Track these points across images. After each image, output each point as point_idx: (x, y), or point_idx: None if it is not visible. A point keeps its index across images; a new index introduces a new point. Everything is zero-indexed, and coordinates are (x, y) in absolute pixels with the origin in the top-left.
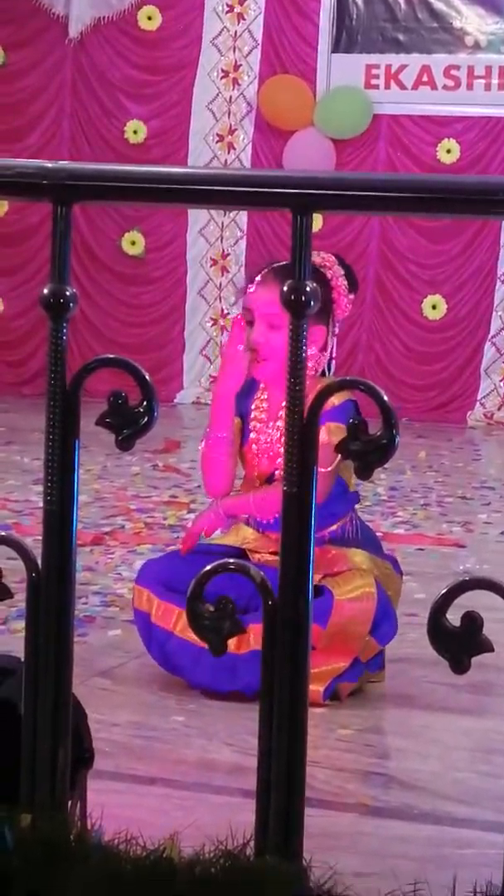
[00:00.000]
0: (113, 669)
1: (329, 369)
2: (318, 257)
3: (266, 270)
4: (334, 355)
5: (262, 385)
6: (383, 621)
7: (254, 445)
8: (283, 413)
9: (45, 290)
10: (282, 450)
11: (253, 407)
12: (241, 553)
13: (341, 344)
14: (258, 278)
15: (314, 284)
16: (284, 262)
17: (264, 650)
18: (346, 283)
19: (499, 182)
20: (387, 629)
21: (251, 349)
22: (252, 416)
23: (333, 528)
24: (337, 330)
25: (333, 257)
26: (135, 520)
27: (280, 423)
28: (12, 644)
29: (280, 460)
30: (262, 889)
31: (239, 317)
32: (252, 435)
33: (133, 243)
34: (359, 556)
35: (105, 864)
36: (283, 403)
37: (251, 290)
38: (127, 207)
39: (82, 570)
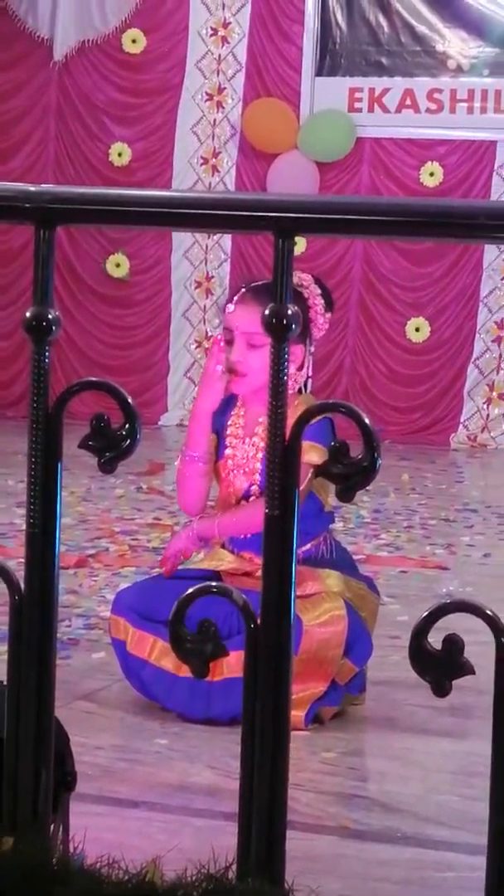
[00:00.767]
0: (96, 692)
1: (306, 387)
2: (294, 277)
3: (244, 290)
4: (310, 374)
5: (239, 402)
6: (356, 643)
7: (229, 461)
8: (259, 429)
9: (28, 313)
10: (258, 466)
11: (229, 423)
12: (216, 576)
13: (325, 366)
14: (236, 298)
15: (296, 307)
16: (262, 282)
17: (246, 673)
18: (322, 302)
19: (481, 206)
20: (361, 650)
21: (230, 369)
22: (228, 431)
23: (307, 547)
24: (313, 349)
25: (310, 277)
26: (119, 542)
27: (256, 440)
28: None
29: (256, 476)
30: None
31: (218, 337)
32: (227, 451)
33: (118, 266)
34: (331, 578)
35: (87, 888)
36: (260, 420)
37: (230, 309)
38: (111, 230)
39: (66, 593)
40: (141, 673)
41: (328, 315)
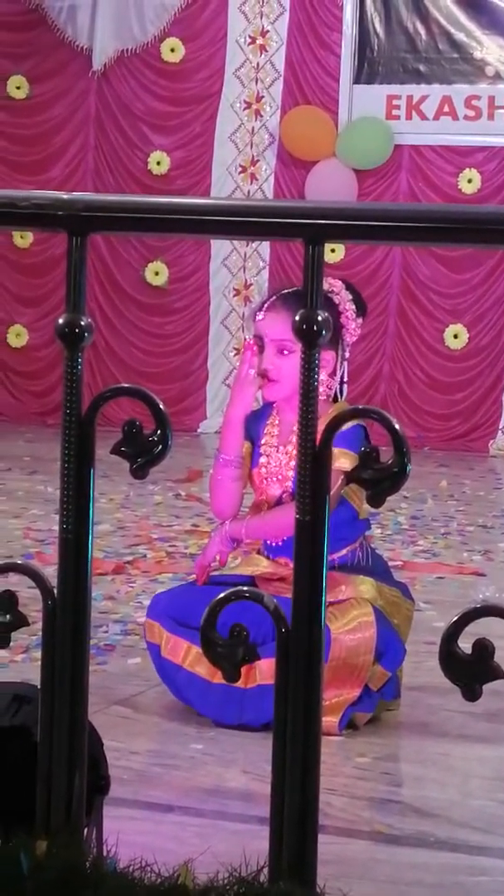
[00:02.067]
0: (132, 698)
1: (342, 394)
2: (325, 283)
3: (275, 297)
4: (346, 380)
5: (274, 411)
6: (387, 649)
7: (263, 469)
8: (293, 437)
9: (60, 320)
10: (290, 474)
11: (265, 431)
12: (252, 582)
13: (363, 373)
14: (266, 305)
15: (326, 314)
16: (293, 289)
17: (278, 678)
18: (354, 307)
19: None
20: (392, 656)
21: (261, 375)
22: (263, 440)
23: (342, 553)
24: (347, 354)
25: (341, 282)
26: (156, 549)
27: (290, 448)
28: (33, 672)
29: (288, 483)
30: None
31: (251, 341)
32: (262, 459)
33: (156, 274)
34: (364, 585)
35: (119, 891)
36: (294, 428)
37: (260, 317)
38: (150, 238)
39: (103, 599)
40: (175, 678)
41: (360, 320)
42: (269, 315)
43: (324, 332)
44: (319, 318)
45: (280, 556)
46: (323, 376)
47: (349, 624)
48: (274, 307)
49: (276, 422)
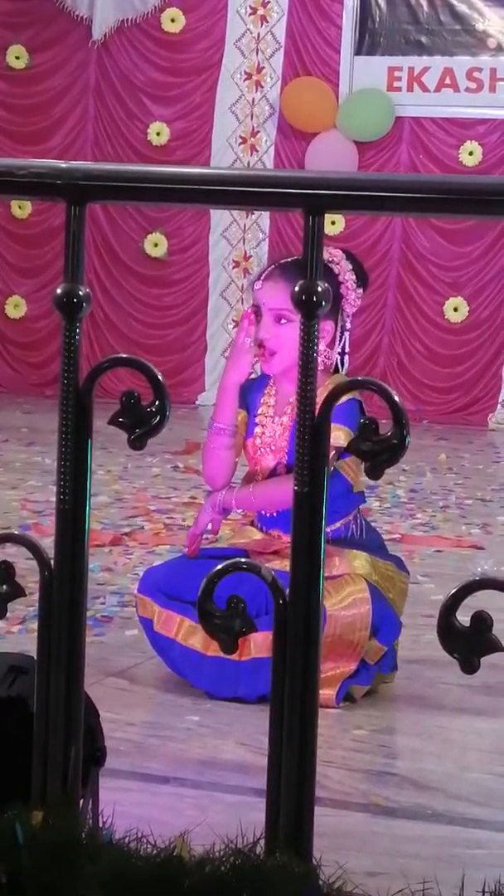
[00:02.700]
0: (129, 669)
1: (342, 365)
2: (325, 253)
3: (274, 266)
4: (347, 350)
5: (271, 381)
6: (383, 624)
7: (258, 439)
8: (288, 408)
9: (59, 290)
10: (284, 445)
11: (261, 401)
12: (245, 555)
13: (362, 346)
14: (264, 274)
15: (325, 284)
16: (293, 258)
17: (275, 650)
18: (354, 277)
19: None
20: (388, 631)
21: (258, 344)
22: (259, 410)
23: (336, 526)
24: (349, 325)
25: (341, 252)
26: (154, 520)
27: (284, 419)
28: (30, 644)
29: (283, 455)
30: (272, 887)
31: (249, 310)
32: (257, 429)
33: (156, 245)
34: (358, 560)
35: (115, 862)
36: (291, 399)
37: (258, 286)
38: (149, 209)
39: (100, 571)
40: (169, 651)
41: (360, 290)
42: (267, 284)
43: (323, 302)
44: (319, 289)
45: (273, 528)
46: (321, 346)
47: (344, 600)
48: (273, 276)
49: (273, 391)
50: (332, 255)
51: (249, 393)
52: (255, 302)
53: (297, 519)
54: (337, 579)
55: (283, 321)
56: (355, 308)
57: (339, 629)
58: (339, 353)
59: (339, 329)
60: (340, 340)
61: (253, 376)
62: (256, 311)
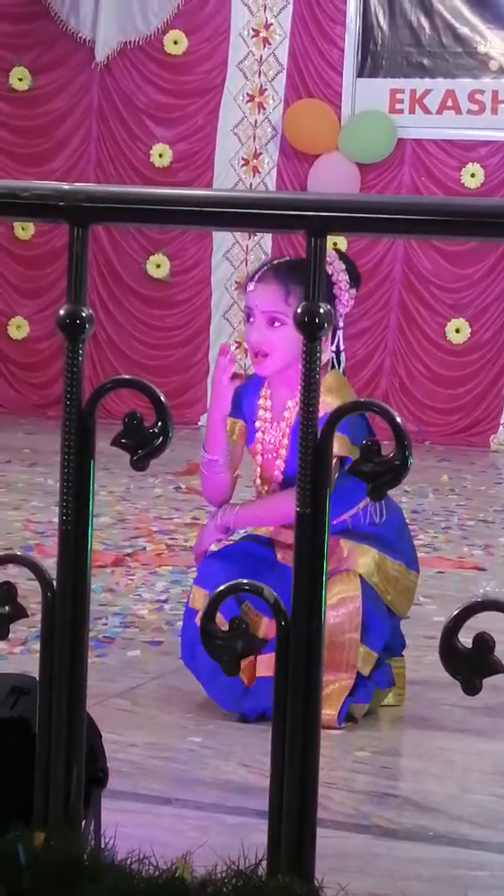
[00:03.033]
0: (131, 690)
1: (339, 362)
2: None
3: (266, 268)
4: (342, 348)
5: (266, 384)
6: (372, 626)
7: (259, 445)
8: (286, 413)
9: (62, 311)
10: (283, 452)
11: (258, 404)
12: (270, 542)
13: (364, 367)
14: (257, 276)
15: (328, 306)
16: (285, 259)
17: (277, 671)
18: (347, 278)
19: None
20: (377, 635)
21: (255, 353)
22: (257, 415)
23: (342, 518)
24: (342, 324)
25: (335, 252)
26: (156, 541)
27: (283, 425)
28: (31, 664)
29: (280, 462)
30: None
31: (226, 345)
32: (258, 434)
33: (158, 266)
34: (364, 557)
35: (117, 883)
36: (288, 403)
37: (251, 288)
38: (152, 230)
39: (102, 591)
40: (196, 646)
41: (353, 291)
42: (260, 286)
43: (325, 324)
44: (322, 311)
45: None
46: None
47: (331, 598)
48: (265, 278)
49: (268, 394)
50: (326, 254)
51: (244, 399)
52: (247, 304)
53: (300, 541)
54: (330, 579)
55: (276, 324)
56: (348, 308)
57: (328, 629)
58: (334, 352)
59: (334, 342)
60: (334, 339)
61: (239, 372)
62: (249, 313)
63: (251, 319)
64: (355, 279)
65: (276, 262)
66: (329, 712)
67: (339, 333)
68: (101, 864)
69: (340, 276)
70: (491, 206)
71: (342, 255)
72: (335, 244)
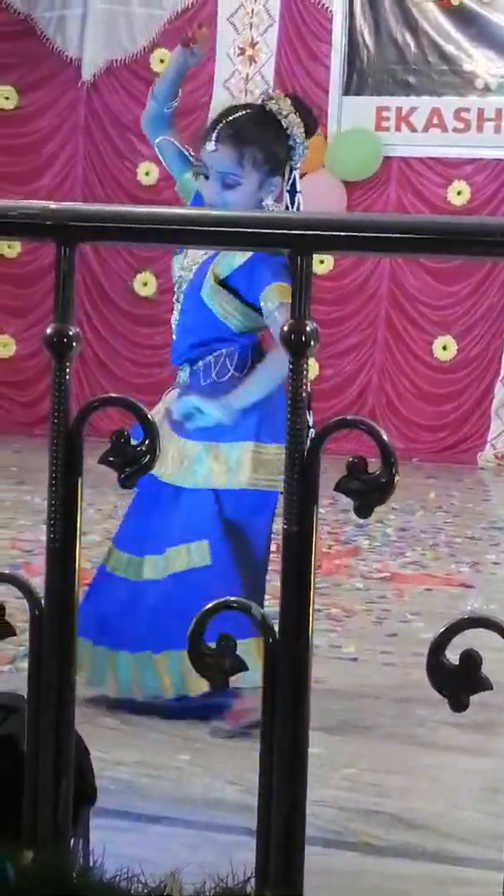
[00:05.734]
0: (119, 708)
1: (294, 202)
2: (273, 104)
3: (222, 127)
4: (299, 189)
5: None
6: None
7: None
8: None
9: (49, 330)
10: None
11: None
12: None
13: (351, 384)
14: (215, 136)
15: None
16: (240, 114)
17: (264, 688)
18: (302, 130)
19: (498, 223)
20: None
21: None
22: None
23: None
24: (300, 186)
25: (289, 102)
26: None
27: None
28: (19, 683)
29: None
30: None
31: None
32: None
33: (145, 284)
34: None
35: None
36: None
37: (210, 148)
38: (139, 249)
39: None
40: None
41: (308, 142)
42: (219, 147)
43: (312, 343)
44: (308, 329)
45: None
46: (269, 201)
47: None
48: (223, 140)
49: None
50: (281, 107)
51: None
52: (203, 160)
53: (287, 559)
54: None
55: (230, 185)
56: (304, 158)
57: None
58: (289, 191)
59: (289, 182)
60: (293, 201)
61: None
62: (201, 170)
63: (206, 177)
64: (311, 128)
65: (231, 117)
66: None
67: (298, 197)
68: (89, 882)
69: (295, 131)
70: (477, 224)
71: (296, 103)
72: (322, 260)
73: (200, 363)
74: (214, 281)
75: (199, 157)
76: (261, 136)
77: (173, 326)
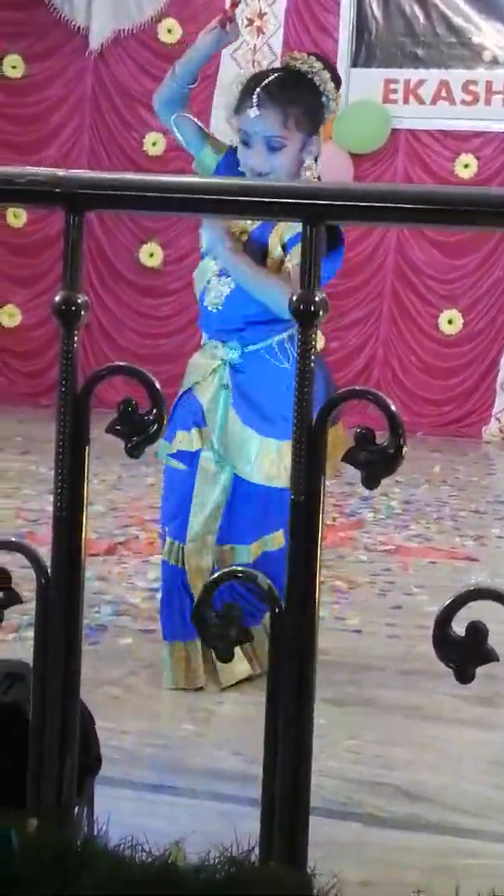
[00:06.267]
0: (124, 678)
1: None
2: (302, 64)
3: (260, 92)
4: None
5: None
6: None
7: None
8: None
9: (57, 298)
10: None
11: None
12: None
13: (357, 357)
14: (255, 101)
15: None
16: (275, 77)
17: (271, 658)
18: (333, 86)
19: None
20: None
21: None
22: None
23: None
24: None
25: (315, 59)
26: (149, 530)
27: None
28: (23, 652)
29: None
30: None
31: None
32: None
33: (151, 255)
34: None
35: (110, 869)
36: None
37: (251, 115)
38: (144, 218)
39: (95, 580)
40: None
41: (338, 93)
42: (261, 111)
43: (321, 312)
44: (317, 299)
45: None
46: (309, 161)
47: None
48: (263, 104)
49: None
50: (312, 66)
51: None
52: (245, 129)
53: (294, 528)
54: None
55: (276, 148)
56: (334, 114)
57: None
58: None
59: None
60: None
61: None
62: (242, 137)
63: (248, 144)
64: (338, 82)
65: (266, 82)
66: None
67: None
68: (93, 851)
69: (329, 87)
70: (486, 196)
71: (323, 62)
72: None
73: (262, 344)
74: (279, 242)
75: (239, 125)
76: (299, 96)
77: (206, 296)
